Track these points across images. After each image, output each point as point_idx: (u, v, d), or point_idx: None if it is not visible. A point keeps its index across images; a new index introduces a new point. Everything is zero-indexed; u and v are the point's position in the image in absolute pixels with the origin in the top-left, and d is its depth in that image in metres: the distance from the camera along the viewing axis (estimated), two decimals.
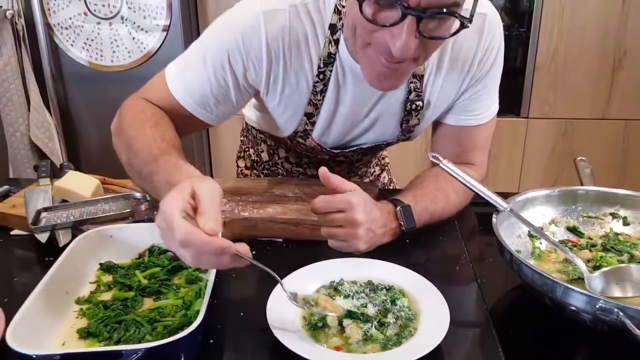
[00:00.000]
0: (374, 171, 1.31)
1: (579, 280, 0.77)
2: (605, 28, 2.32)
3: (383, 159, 1.34)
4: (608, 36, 2.32)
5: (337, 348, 0.65)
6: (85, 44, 2.31)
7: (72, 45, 2.30)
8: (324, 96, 0.96)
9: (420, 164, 2.47)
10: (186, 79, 0.94)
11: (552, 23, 2.32)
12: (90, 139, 2.41)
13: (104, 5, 2.24)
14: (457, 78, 0.97)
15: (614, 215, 0.93)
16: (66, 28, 2.29)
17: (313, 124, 1.00)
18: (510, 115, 2.47)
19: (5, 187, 1.15)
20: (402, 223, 0.89)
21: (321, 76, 0.93)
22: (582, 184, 1.00)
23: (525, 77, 2.41)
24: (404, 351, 0.64)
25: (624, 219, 0.92)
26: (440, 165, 0.84)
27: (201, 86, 0.92)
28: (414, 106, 0.98)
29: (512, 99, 2.44)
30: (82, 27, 2.28)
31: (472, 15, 0.74)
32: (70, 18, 2.27)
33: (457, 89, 0.99)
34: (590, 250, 0.86)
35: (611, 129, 2.44)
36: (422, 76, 0.95)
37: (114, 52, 2.28)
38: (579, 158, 1.09)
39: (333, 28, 0.89)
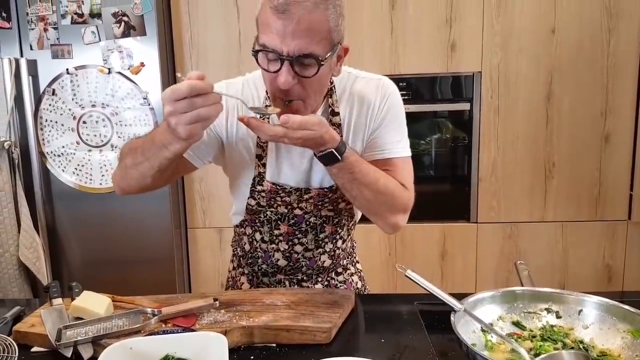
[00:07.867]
0: (338, 251, 1.41)
1: None
2: (535, 143, 2.65)
3: (356, 263, 1.50)
4: (537, 150, 2.66)
5: None
6: (76, 169, 2.45)
7: (63, 170, 2.44)
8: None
9: (387, 270, 2.65)
10: None
11: (489, 139, 2.64)
12: (74, 256, 2.48)
13: (95, 135, 2.42)
14: (364, 120, 1.28)
15: (548, 310, 1.12)
16: (58, 155, 2.45)
17: (264, 165, 1.27)
18: (462, 221, 2.74)
19: (17, 307, 1.28)
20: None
21: None
22: (522, 284, 1.22)
23: (471, 186, 2.73)
24: None
25: (557, 312, 1.12)
26: (405, 274, 1.05)
27: None
28: None
29: (462, 206, 2.73)
30: (74, 154, 2.44)
31: (325, 58, 1.08)
32: (63, 147, 2.44)
33: (365, 128, 1.28)
34: (531, 341, 1.04)
35: (550, 230, 2.72)
36: (340, 124, 1.27)
37: (102, 175, 2.42)
38: (519, 262, 1.30)
39: (267, 93, 1.24)
